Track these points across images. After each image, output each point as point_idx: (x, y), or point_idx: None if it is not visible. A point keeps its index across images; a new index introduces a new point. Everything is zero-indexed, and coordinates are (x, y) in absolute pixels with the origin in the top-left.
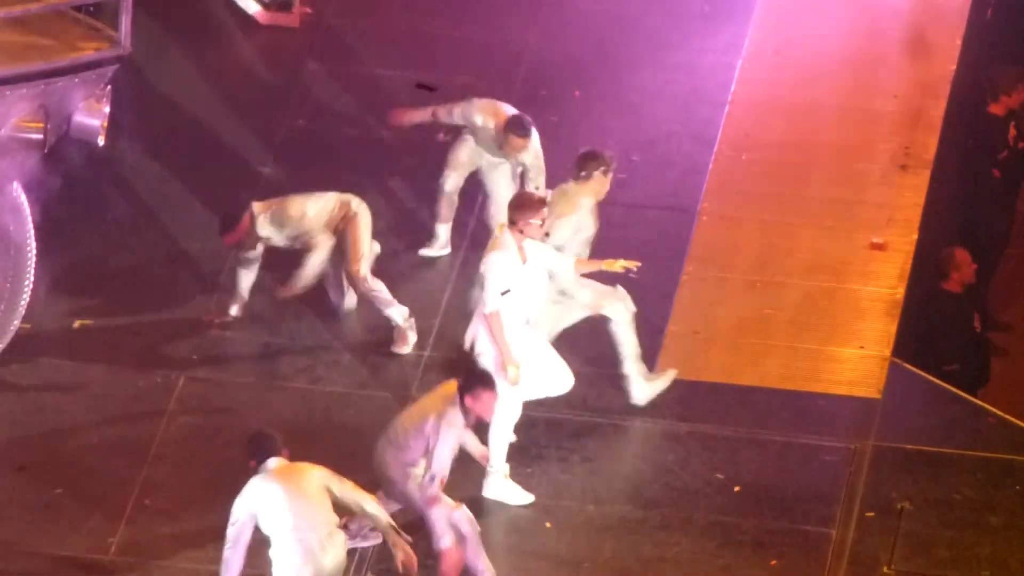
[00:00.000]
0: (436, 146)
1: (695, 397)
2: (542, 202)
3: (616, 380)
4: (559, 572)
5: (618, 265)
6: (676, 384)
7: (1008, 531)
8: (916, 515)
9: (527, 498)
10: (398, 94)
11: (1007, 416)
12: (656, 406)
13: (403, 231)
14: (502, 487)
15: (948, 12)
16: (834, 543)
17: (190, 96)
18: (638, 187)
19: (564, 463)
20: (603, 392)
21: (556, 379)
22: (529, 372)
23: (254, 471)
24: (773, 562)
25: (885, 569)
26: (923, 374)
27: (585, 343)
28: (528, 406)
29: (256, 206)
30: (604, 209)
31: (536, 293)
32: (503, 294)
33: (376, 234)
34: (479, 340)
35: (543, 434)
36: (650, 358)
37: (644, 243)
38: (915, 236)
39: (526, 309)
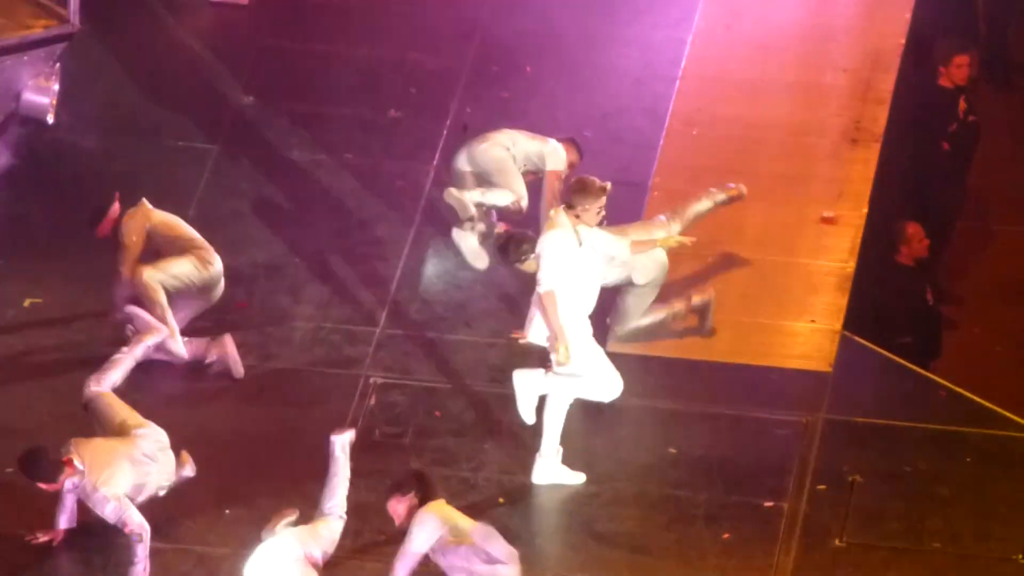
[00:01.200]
0: (387, 123)
1: (647, 372)
2: (603, 190)
3: None
4: (512, 546)
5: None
6: (628, 359)
7: (958, 503)
8: (867, 488)
9: (580, 478)
10: (347, 71)
11: (958, 388)
12: None
13: (354, 209)
14: (555, 471)
15: None
16: (786, 516)
17: (140, 73)
18: (590, 162)
19: (517, 439)
20: None
21: (605, 382)
22: (583, 359)
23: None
24: (726, 535)
25: (837, 541)
26: (874, 347)
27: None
28: (478, 380)
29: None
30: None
31: (592, 279)
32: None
33: (327, 211)
34: (535, 325)
35: (495, 409)
36: (602, 335)
37: None
38: (865, 210)
39: (583, 294)
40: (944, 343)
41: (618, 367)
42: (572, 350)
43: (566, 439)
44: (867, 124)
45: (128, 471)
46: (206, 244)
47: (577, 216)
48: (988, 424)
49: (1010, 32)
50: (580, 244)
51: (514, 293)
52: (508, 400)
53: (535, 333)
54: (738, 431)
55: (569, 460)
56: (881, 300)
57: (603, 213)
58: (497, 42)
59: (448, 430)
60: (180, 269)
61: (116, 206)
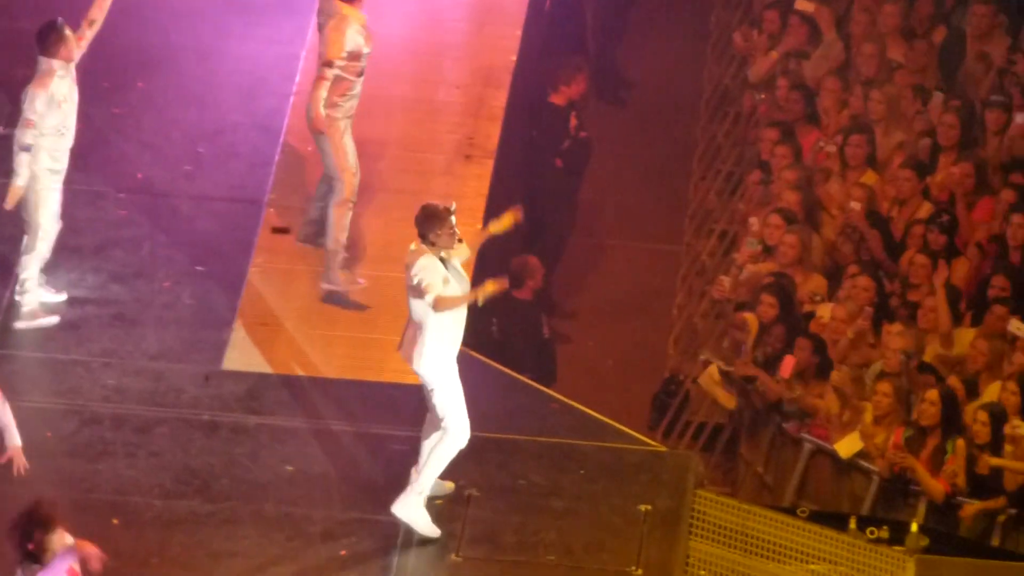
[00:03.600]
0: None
1: (264, 389)
2: (447, 211)
3: (184, 374)
4: (126, 569)
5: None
6: (245, 376)
7: (571, 515)
8: (483, 501)
9: (435, 532)
10: None
11: (570, 401)
12: (224, 398)
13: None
14: (419, 512)
15: (508, 2)
16: (403, 532)
17: None
18: (205, 179)
19: (131, 458)
20: (171, 385)
21: (462, 427)
22: (451, 399)
23: None
24: (343, 552)
25: (453, 556)
26: (489, 362)
27: (153, 336)
28: (94, 400)
29: None
30: (170, 202)
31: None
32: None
33: None
34: (423, 359)
35: (109, 429)
36: (219, 352)
37: (212, 235)
38: (480, 226)
39: (457, 325)
40: (558, 357)
41: (235, 385)
42: (493, 287)
43: (179, 457)
44: (480, 140)
45: None
46: None
47: (432, 244)
48: (600, 436)
49: (619, 48)
50: (447, 269)
51: (128, 312)
52: (120, 420)
53: (423, 364)
54: (355, 447)
55: (183, 479)
56: (504, 335)
57: (456, 233)
58: (108, 56)
59: (60, 451)
60: None
61: None
